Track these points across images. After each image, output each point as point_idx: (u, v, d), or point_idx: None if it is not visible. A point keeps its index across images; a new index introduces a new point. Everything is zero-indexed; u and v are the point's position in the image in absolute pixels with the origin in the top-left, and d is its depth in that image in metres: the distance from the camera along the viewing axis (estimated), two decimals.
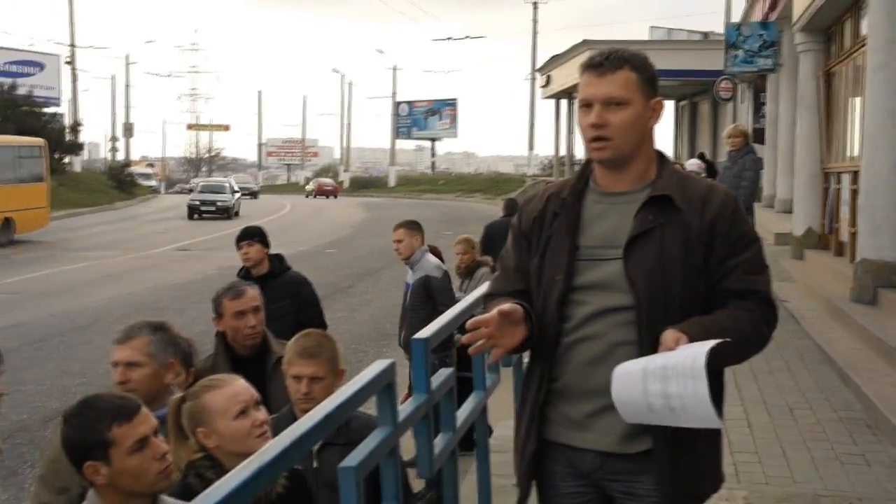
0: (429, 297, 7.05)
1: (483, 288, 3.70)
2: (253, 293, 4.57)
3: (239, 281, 5.00)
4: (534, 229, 2.78)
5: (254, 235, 6.46)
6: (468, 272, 8.23)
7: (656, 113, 2.71)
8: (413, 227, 7.33)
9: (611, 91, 2.63)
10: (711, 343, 2.44)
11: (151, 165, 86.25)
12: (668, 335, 2.51)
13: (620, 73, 2.64)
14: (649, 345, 2.55)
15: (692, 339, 2.48)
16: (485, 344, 2.57)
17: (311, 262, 18.91)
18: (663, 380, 2.46)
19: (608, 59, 2.65)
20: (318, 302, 6.43)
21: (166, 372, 3.46)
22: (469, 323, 2.59)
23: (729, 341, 2.47)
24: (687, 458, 2.62)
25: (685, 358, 2.44)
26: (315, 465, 3.40)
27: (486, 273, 8.17)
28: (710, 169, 15.11)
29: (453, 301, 7.00)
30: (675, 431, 2.57)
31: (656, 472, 2.62)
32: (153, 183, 68.45)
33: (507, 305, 2.59)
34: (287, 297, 6.10)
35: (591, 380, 2.64)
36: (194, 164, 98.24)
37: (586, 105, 2.67)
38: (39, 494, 3.25)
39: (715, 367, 2.54)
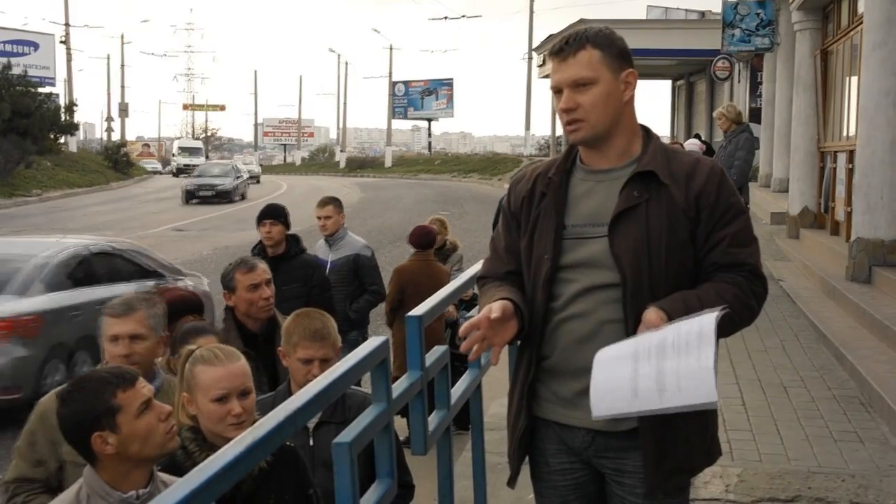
0: (355, 274, 7.06)
1: (466, 273, 3.74)
2: (264, 266, 4.66)
3: (248, 256, 5.03)
4: (522, 209, 2.79)
5: (279, 215, 6.44)
6: (443, 256, 8.26)
7: (630, 85, 2.69)
8: (339, 204, 7.36)
9: (574, 73, 2.63)
10: (716, 313, 2.41)
11: (198, 139, 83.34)
12: (651, 314, 2.50)
13: (582, 54, 2.64)
14: (634, 322, 2.55)
15: (672, 318, 2.48)
16: (481, 347, 2.58)
17: (307, 242, 18.85)
18: (659, 358, 2.43)
19: (568, 42, 2.66)
20: (329, 286, 6.44)
21: (160, 346, 3.50)
22: (462, 330, 2.58)
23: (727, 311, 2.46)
24: (673, 433, 2.62)
25: (687, 332, 2.42)
26: (311, 443, 3.41)
27: (461, 258, 8.31)
28: (708, 150, 15.08)
29: (381, 280, 7.07)
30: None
31: (641, 449, 2.64)
32: (200, 160, 64.82)
33: (496, 306, 2.57)
34: (300, 279, 6.12)
35: (579, 358, 2.63)
36: None
37: (557, 92, 2.68)
38: (18, 466, 3.31)
39: None
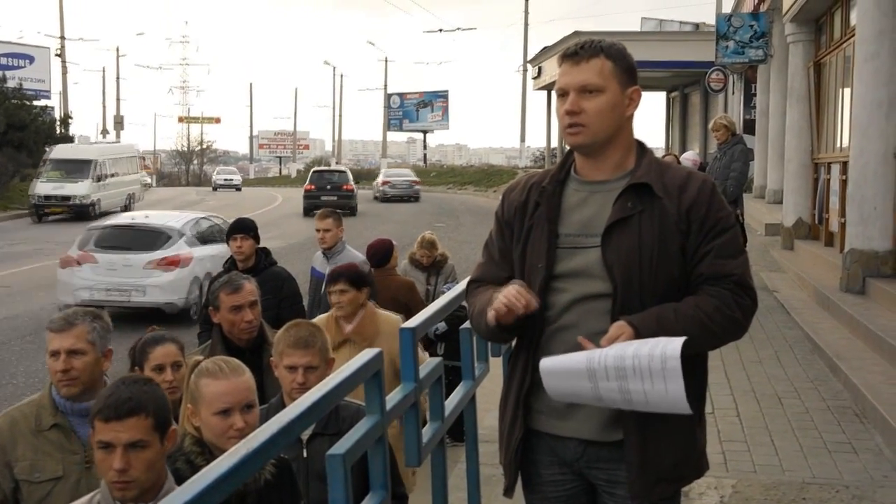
0: None
1: (459, 286, 3.74)
2: (250, 287, 4.59)
3: (237, 274, 5.01)
4: (516, 218, 2.81)
5: (249, 230, 6.52)
6: (435, 269, 8.23)
7: (633, 102, 2.73)
8: (339, 217, 7.41)
9: (585, 78, 2.66)
10: (678, 342, 2.45)
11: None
12: (613, 329, 2.54)
13: (595, 62, 2.67)
14: None
15: (641, 334, 2.51)
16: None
17: (301, 255, 18.86)
18: (619, 379, 2.48)
19: (583, 48, 2.70)
20: (300, 298, 6.48)
21: (104, 360, 3.42)
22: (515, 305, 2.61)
23: (687, 337, 2.49)
24: (658, 444, 2.63)
25: (649, 359, 2.45)
26: (304, 455, 3.42)
27: (453, 269, 8.26)
28: (700, 168, 15.14)
29: (377, 296, 7.01)
30: (647, 420, 2.59)
31: (626, 456, 2.64)
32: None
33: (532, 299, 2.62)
34: (270, 291, 6.11)
35: None
36: (185, 157, 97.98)
37: (563, 94, 2.71)
38: None
39: (685, 354, 2.55)
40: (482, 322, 2.74)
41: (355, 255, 7.35)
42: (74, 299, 12.15)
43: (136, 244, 13.33)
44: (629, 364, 2.46)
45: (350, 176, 36.09)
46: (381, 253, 7.46)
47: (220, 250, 12.43)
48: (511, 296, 2.60)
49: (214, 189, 54.97)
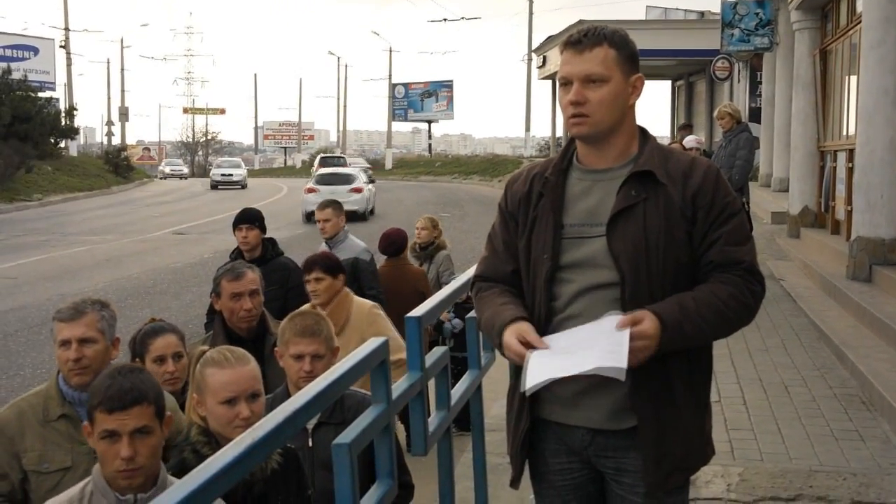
0: (353, 278, 7.02)
1: (463, 276, 3.74)
2: (252, 276, 4.58)
3: (240, 262, 5.01)
4: (520, 210, 2.79)
5: (254, 220, 6.52)
6: (427, 255, 8.20)
7: (637, 90, 2.71)
8: (339, 207, 7.41)
9: (589, 68, 2.63)
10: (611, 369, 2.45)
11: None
12: (648, 325, 2.50)
13: (598, 50, 2.64)
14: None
15: (665, 321, 2.51)
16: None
17: (306, 246, 18.85)
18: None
19: (586, 36, 2.66)
20: (305, 289, 6.47)
21: (113, 349, 3.43)
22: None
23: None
24: (672, 433, 2.63)
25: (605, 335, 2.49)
26: (310, 444, 3.42)
27: (447, 258, 8.19)
28: (704, 154, 15.08)
29: (379, 284, 6.99)
30: (660, 411, 2.59)
31: (641, 447, 2.64)
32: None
33: (524, 331, 2.61)
34: (277, 282, 6.12)
35: None
36: (190, 148, 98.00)
37: (566, 83, 2.68)
38: None
39: (701, 344, 2.62)
40: (492, 337, 2.74)
41: (357, 243, 7.34)
42: (307, 210, 23.93)
43: (339, 181, 26.99)
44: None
45: (348, 161, 47.17)
46: (397, 242, 7.52)
47: (372, 188, 29.79)
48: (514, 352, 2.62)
49: (213, 187, 46.56)
